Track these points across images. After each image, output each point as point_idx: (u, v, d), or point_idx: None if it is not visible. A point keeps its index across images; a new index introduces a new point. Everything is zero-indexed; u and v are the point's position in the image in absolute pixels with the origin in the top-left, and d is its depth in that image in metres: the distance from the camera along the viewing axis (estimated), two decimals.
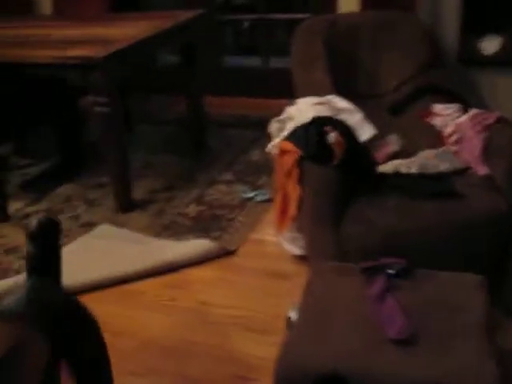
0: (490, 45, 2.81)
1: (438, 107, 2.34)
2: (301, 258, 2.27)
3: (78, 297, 1.33)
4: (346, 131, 1.95)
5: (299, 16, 3.51)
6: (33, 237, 1.29)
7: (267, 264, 2.33)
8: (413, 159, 2.16)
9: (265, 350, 1.82)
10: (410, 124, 2.41)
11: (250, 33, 4.78)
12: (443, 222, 1.85)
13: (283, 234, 2.26)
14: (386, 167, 2.13)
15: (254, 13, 4.13)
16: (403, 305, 1.41)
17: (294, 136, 1.95)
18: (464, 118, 2.19)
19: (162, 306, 2.16)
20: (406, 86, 2.52)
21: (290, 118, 2.14)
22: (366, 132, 2.09)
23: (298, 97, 2.32)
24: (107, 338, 1.33)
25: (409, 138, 2.32)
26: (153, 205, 2.84)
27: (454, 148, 2.16)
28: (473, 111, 2.18)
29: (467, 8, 2.79)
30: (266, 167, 3.02)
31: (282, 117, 2.17)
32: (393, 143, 2.32)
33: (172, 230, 2.61)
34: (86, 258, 2.43)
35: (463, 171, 2.07)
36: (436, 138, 2.26)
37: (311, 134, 1.91)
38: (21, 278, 2.23)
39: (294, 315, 1.60)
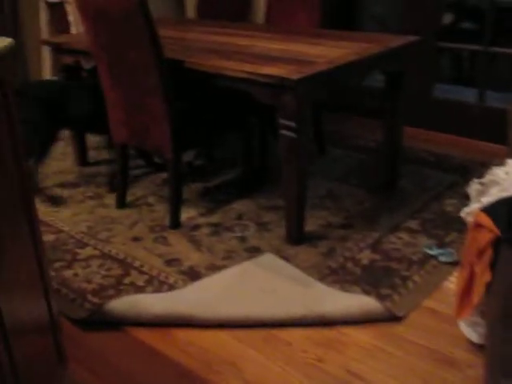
0: None
1: None
2: (479, 347, 1.90)
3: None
4: None
5: None
6: None
7: (437, 344, 1.98)
8: None
9: None
10: None
11: (468, 62, 4.33)
12: None
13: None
14: None
15: (478, 40, 3.69)
16: None
17: (493, 209, 1.58)
18: None
19: (306, 364, 1.93)
20: None
21: (495, 182, 1.77)
22: None
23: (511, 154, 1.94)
24: None
25: None
26: (324, 241, 2.61)
27: None
28: None
29: None
30: (458, 222, 2.64)
31: (484, 179, 1.81)
32: None
33: (338, 276, 2.36)
34: (243, 288, 2.29)
35: None
36: None
37: None
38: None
39: None
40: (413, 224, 2.73)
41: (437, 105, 3.83)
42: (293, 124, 2.37)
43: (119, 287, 2.33)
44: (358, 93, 3.98)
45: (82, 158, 3.56)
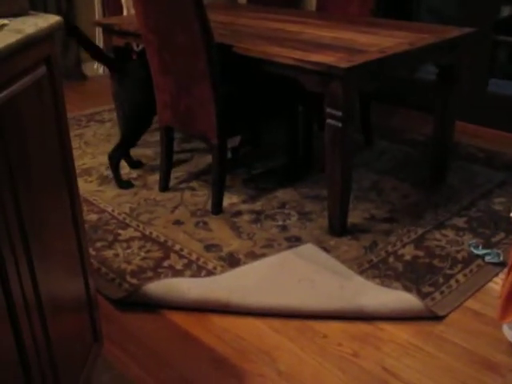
0: None
1: None
2: None
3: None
4: None
5: None
6: None
7: (477, 346, 1.92)
8: None
9: None
10: None
11: None
12: None
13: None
14: None
15: None
16: None
17: None
18: None
19: (341, 358, 1.89)
20: None
21: None
22: None
23: None
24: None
25: None
26: (366, 234, 2.56)
27: None
28: None
29: None
30: (507, 222, 2.56)
31: None
32: None
33: (379, 271, 2.31)
34: (281, 278, 2.26)
35: None
36: None
37: None
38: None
39: None
40: (459, 221, 2.65)
41: (490, 100, 3.70)
42: (339, 113, 2.32)
43: (158, 270, 2.34)
44: (409, 85, 3.89)
45: None
